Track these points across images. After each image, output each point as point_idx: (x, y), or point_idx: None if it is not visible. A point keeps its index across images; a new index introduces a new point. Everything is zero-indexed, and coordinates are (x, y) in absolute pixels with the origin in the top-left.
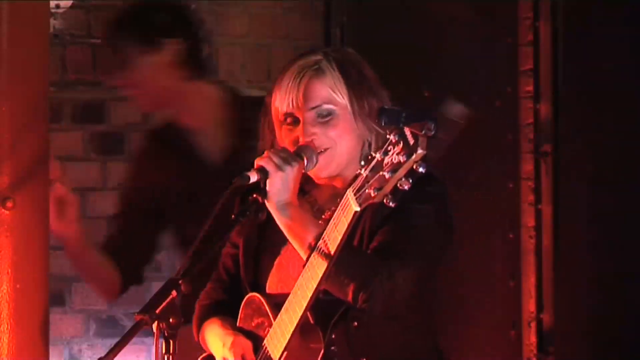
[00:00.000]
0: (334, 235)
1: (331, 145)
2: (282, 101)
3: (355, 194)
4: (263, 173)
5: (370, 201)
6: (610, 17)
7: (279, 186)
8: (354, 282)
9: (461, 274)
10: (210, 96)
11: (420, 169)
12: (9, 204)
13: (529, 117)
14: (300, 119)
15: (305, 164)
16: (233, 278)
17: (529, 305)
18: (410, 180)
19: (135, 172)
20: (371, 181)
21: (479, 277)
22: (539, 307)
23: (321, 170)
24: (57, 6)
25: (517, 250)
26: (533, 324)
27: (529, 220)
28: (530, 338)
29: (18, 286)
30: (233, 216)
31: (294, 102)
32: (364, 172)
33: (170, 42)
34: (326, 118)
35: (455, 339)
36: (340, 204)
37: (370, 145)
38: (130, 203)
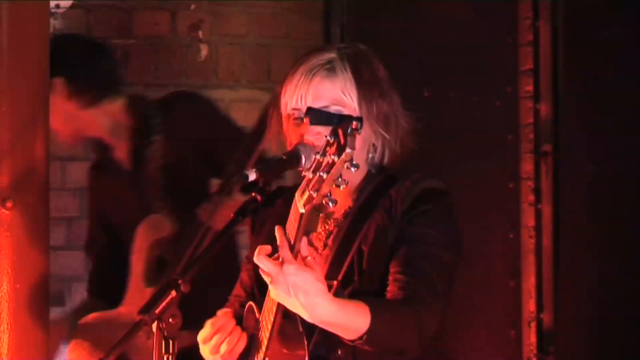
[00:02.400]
0: (289, 238)
1: None
2: (291, 96)
3: (300, 196)
4: (262, 173)
5: (313, 202)
6: (610, 17)
7: (309, 310)
8: (391, 347)
9: (461, 273)
10: (114, 111)
11: (352, 169)
12: (9, 204)
13: (529, 117)
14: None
15: (303, 162)
16: (249, 292)
17: (529, 305)
18: (347, 182)
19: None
20: (312, 183)
21: (479, 277)
22: (539, 307)
23: None
24: (57, 6)
25: (517, 250)
26: (533, 324)
27: (529, 220)
28: (530, 338)
29: (18, 286)
30: (232, 215)
31: (303, 100)
32: (308, 174)
33: (54, 81)
34: None
35: (455, 339)
36: (292, 207)
37: (376, 149)
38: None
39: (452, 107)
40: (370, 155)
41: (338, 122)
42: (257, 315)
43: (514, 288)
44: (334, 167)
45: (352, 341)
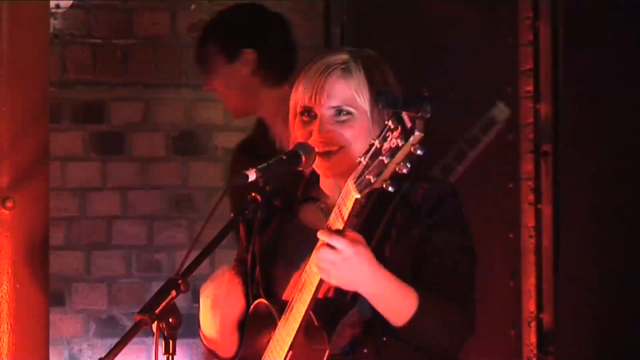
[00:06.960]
0: (337, 226)
1: (346, 144)
2: (304, 94)
3: (355, 182)
4: (263, 172)
5: (370, 187)
6: (610, 17)
7: (355, 281)
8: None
9: None
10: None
11: (418, 152)
12: (9, 204)
13: (529, 117)
14: (318, 115)
15: (304, 161)
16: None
17: (529, 305)
18: (409, 165)
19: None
20: (371, 167)
21: (479, 277)
22: (539, 307)
23: (332, 168)
24: (57, 6)
25: (517, 250)
26: (533, 324)
27: (529, 220)
28: (530, 338)
29: (18, 286)
30: (233, 215)
31: (316, 98)
32: (364, 160)
33: (247, 52)
34: (343, 117)
35: None
36: (342, 194)
37: None
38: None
39: (452, 107)
40: None
41: (403, 105)
42: (273, 311)
43: (514, 288)
44: (401, 150)
45: (398, 326)
